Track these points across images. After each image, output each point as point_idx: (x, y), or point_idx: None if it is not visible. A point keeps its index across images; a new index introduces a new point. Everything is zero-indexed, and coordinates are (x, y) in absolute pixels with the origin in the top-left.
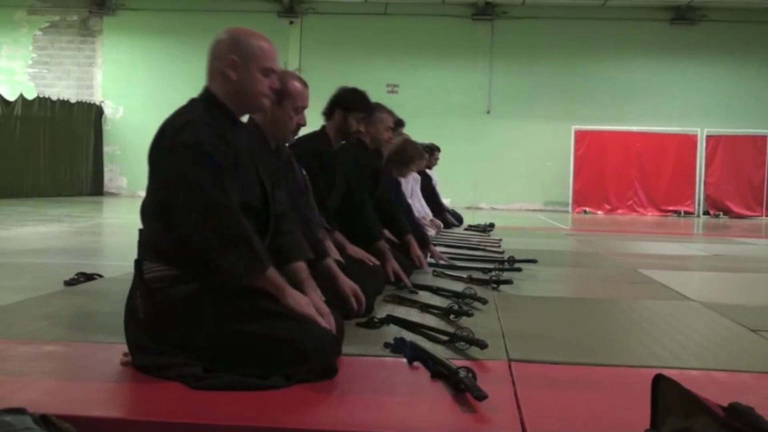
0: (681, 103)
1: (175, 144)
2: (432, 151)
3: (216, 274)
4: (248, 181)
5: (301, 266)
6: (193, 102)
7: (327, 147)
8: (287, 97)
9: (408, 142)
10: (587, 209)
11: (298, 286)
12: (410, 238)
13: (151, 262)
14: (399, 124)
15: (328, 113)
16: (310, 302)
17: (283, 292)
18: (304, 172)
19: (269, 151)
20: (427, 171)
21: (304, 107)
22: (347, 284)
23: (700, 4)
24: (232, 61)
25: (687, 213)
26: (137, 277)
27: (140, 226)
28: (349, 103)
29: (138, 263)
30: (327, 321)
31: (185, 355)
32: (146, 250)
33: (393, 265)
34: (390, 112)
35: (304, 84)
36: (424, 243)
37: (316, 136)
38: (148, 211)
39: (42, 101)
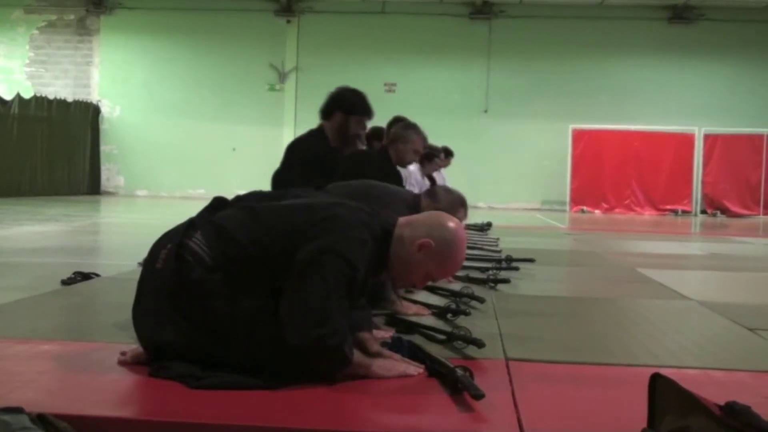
0: (678, 102)
1: (339, 248)
2: (447, 155)
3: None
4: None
5: (366, 335)
6: (377, 219)
7: (325, 147)
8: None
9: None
10: (585, 208)
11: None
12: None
13: (204, 237)
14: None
15: (328, 114)
16: (393, 362)
17: (369, 369)
18: None
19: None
20: (434, 175)
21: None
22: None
23: (697, 3)
24: (428, 244)
25: (684, 212)
26: (180, 234)
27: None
28: (351, 106)
29: (192, 225)
30: (411, 369)
31: (183, 325)
32: (212, 228)
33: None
34: (423, 137)
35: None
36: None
37: (314, 136)
38: (258, 233)
39: (39, 100)
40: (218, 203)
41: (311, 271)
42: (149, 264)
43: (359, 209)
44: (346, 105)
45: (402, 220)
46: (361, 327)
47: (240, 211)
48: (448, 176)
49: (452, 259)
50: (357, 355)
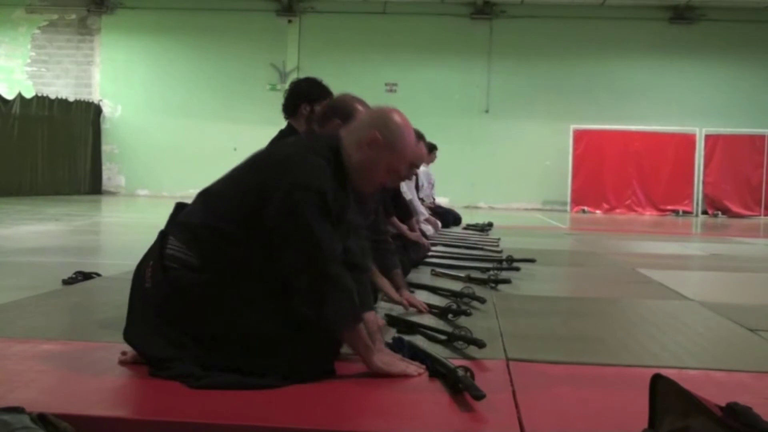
0: (679, 102)
1: (301, 182)
2: (431, 149)
3: (317, 319)
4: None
5: (370, 316)
6: (319, 141)
7: None
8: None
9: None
10: (585, 208)
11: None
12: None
13: (178, 241)
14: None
15: (293, 110)
16: (394, 359)
17: (371, 352)
18: None
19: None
20: (419, 171)
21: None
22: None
23: (698, 3)
24: (375, 138)
25: (685, 212)
26: (157, 247)
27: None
28: (312, 94)
29: (164, 235)
30: (412, 369)
31: (179, 338)
32: (181, 229)
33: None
34: (361, 101)
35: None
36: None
37: (287, 135)
38: (221, 208)
39: (40, 100)
40: (180, 207)
41: (285, 215)
42: (137, 286)
43: (299, 141)
44: (307, 95)
45: (343, 132)
46: (363, 307)
47: (196, 202)
48: (445, 174)
49: (404, 142)
50: (363, 332)
